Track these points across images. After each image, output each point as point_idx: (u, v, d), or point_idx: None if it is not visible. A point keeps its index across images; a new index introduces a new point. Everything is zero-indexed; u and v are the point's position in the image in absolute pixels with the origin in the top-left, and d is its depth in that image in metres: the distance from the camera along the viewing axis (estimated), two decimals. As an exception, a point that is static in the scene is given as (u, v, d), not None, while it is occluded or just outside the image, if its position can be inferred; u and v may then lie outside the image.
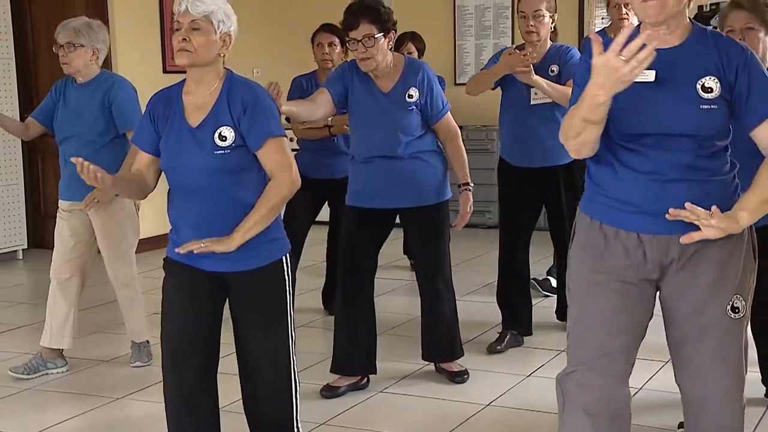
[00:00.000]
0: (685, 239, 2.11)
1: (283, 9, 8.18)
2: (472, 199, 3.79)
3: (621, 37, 1.94)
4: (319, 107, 3.61)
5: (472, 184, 3.80)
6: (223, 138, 2.56)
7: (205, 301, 2.67)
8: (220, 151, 2.55)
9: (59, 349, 4.16)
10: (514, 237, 4.32)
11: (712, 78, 2.12)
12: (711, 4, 5.64)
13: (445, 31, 7.86)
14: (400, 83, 3.63)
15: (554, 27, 4.18)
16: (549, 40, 4.16)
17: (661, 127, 2.13)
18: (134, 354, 4.20)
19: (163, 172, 2.71)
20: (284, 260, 2.69)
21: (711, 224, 2.07)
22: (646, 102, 2.13)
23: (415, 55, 5.30)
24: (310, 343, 4.43)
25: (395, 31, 3.65)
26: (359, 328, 3.76)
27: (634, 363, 2.29)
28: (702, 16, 5.27)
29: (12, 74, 6.66)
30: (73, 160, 2.52)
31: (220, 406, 2.79)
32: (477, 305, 5.02)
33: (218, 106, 2.58)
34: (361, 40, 3.51)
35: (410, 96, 3.62)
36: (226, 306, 2.74)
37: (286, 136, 2.64)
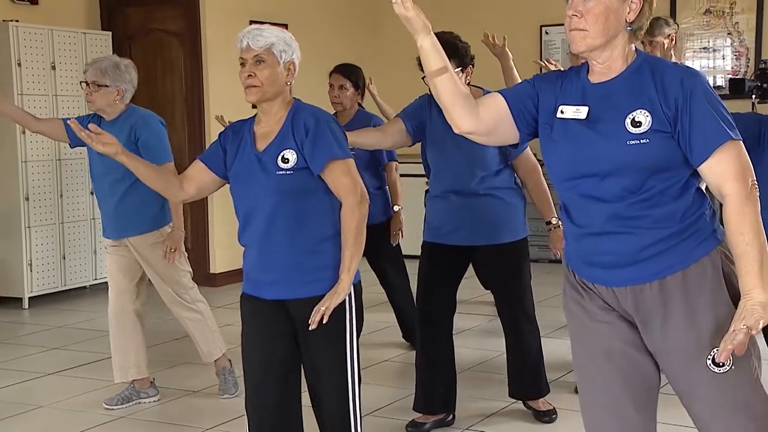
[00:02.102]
0: (721, 358, 1.94)
1: (372, 46, 8.30)
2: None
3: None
4: (388, 136, 3.61)
5: (559, 221, 3.73)
6: (285, 160, 2.61)
7: (274, 329, 2.68)
8: (281, 172, 2.60)
9: (151, 379, 4.26)
10: None
11: (643, 111, 2.01)
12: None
13: (532, 66, 7.82)
14: None
15: None
16: None
17: (589, 165, 2.04)
18: (222, 385, 4.27)
19: (211, 192, 2.82)
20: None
21: (743, 334, 1.91)
22: (575, 139, 2.07)
23: None
24: (394, 378, 4.42)
25: (473, 66, 3.62)
26: (438, 366, 3.71)
27: (651, 408, 2.17)
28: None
29: (110, 111, 6.92)
30: (69, 122, 2.68)
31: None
32: (564, 343, 4.93)
33: (283, 132, 2.65)
34: None
35: None
36: None
37: (350, 158, 2.66)
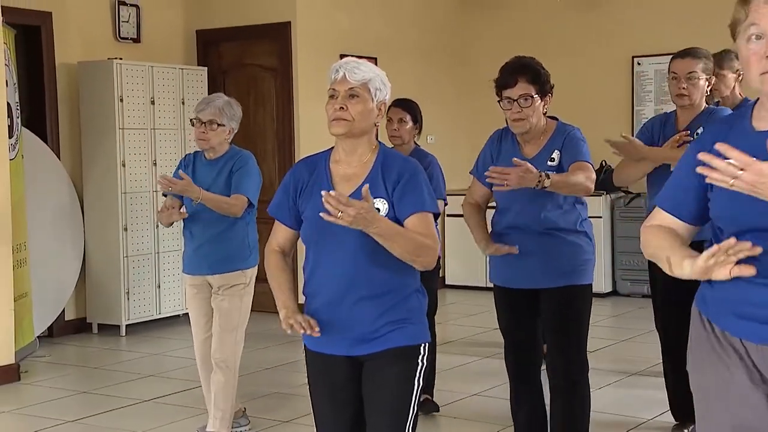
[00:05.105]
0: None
1: (461, 76, 8.33)
2: (531, 169, 3.21)
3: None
4: (482, 202, 3.52)
5: (547, 180, 3.24)
6: (376, 210, 2.42)
7: (342, 392, 2.54)
8: None
9: (243, 408, 4.32)
10: (669, 316, 4.01)
11: None
12: None
13: (623, 97, 7.73)
14: (546, 148, 3.38)
15: (710, 90, 3.90)
16: (704, 102, 3.89)
17: (754, 220, 1.89)
18: None
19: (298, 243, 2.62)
20: (421, 350, 2.51)
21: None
22: (738, 193, 1.83)
23: None
24: (487, 415, 4.37)
25: (551, 95, 3.41)
26: (527, 411, 3.55)
27: None
28: None
29: (205, 144, 7.13)
30: None
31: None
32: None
33: (372, 178, 2.49)
34: (516, 100, 3.31)
35: (552, 160, 3.36)
36: None
37: (438, 212, 2.54)
